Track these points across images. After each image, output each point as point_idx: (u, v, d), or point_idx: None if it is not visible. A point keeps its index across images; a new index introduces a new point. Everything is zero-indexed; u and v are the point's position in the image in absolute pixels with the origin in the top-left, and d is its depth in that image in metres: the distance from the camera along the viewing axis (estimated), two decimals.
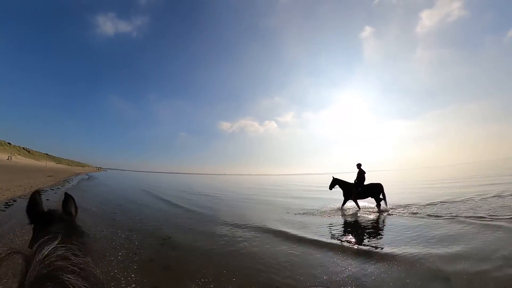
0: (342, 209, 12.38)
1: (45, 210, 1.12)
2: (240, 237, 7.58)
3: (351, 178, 13.79)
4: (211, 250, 6.31)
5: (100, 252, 5.85)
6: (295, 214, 11.44)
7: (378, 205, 11.80)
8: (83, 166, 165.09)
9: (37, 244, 0.79)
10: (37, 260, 0.72)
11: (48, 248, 0.76)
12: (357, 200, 12.61)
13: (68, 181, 31.16)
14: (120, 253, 5.87)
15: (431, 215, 9.88)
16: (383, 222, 9.61)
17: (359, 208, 12.24)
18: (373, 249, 6.24)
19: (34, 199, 1.12)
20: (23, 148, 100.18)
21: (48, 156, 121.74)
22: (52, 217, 1.07)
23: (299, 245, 6.74)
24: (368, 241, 7.12)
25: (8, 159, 60.00)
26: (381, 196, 11.97)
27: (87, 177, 50.81)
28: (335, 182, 13.44)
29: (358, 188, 12.48)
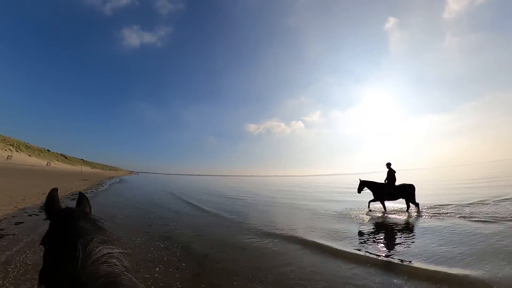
0: (385, 211, 11.54)
1: (62, 208, 1.16)
2: (276, 250, 6.47)
3: (380, 178, 13.11)
4: (255, 267, 5.18)
5: (134, 264, 4.99)
6: (324, 219, 10.35)
7: (416, 205, 11.08)
8: (116, 170, 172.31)
9: (83, 242, 0.83)
10: (94, 258, 0.76)
11: (98, 248, 0.82)
12: (385, 202, 12.04)
13: (101, 185, 31.57)
14: (157, 268, 5.01)
15: (493, 218, 8.52)
16: (434, 227, 8.05)
17: (385, 210, 11.58)
18: (448, 271, 4.64)
19: (53, 196, 1.18)
20: (61, 155, 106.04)
21: (83, 162, 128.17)
22: (72, 214, 1.08)
23: (335, 261, 5.53)
24: (434, 257, 5.45)
25: (47, 165, 63.37)
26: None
27: (119, 180, 52.26)
28: (363, 184, 12.69)
29: (390, 189, 11.78)
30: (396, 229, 8.31)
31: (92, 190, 22.67)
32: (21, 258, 5.10)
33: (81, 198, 1.33)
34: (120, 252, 0.86)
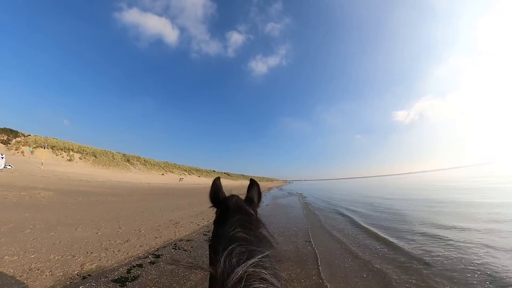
0: None
1: (226, 196, 1.22)
2: None
3: None
4: None
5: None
6: None
7: None
8: (271, 180, 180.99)
9: (224, 260, 0.72)
10: (232, 283, 0.66)
11: (243, 268, 0.69)
12: None
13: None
14: None
15: None
16: None
17: None
18: None
19: (216, 186, 1.27)
20: (224, 173, 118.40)
21: (243, 176, 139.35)
22: (237, 207, 1.09)
23: None
24: None
25: None
26: None
27: (270, 192, 45.81)
28: None
29: None
30: None
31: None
32: None
33: (252, 186, 1.32)
34: (272, 270, 0.71)
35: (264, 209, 15.94)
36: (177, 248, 6.31)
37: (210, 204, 1.22)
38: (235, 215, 0.99)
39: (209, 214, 11.72)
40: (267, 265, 0.71)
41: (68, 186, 17.60)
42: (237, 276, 0.66)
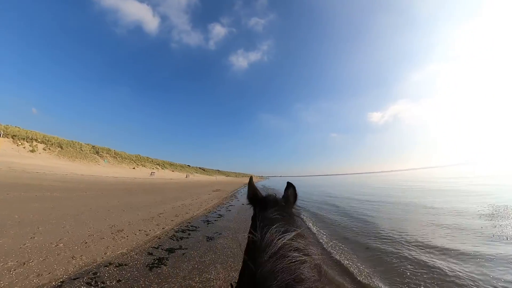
0: None
1: (263, 195, 1.29)
2: None
3: None
4: None
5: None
6: None
7: None
8: (248, 176, 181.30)
9: (268, 232, 0.86)
10: (272, 250, 0.78)
11: (281, 237, 0.82)
12: None
13: (235, 197, 23.20)
14: None
15: None
16: None
17: None
18: None
19: (252, 186, 1.36)
20: (199, 168, 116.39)
21: (218, 172, 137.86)
22: (274, 202, 1.16)
23: None
24: None
25: (186, 177, 67.13)
26: None
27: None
28: None
29: None
30: None
31: (220, 214, 12.63)
32: None
33: (288, 187, 1.37)
34: (304, 242, 0.84)
35: (242, 208, 15.25)
36: (93, 283, 3.96)
37: (247, 202, 1.32)
38: (273, 206, 1.10)
39: (169, 218, 9.94)
40: (301, 241, 0.84)
41: (14, 179, 14.82)
42: (276, 246, 0.79)
